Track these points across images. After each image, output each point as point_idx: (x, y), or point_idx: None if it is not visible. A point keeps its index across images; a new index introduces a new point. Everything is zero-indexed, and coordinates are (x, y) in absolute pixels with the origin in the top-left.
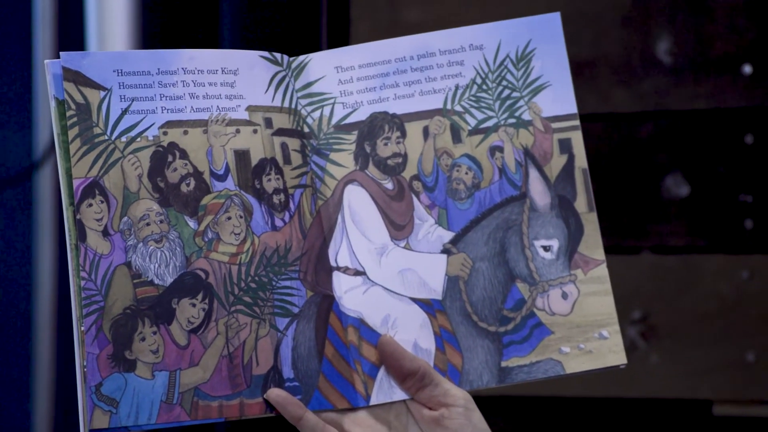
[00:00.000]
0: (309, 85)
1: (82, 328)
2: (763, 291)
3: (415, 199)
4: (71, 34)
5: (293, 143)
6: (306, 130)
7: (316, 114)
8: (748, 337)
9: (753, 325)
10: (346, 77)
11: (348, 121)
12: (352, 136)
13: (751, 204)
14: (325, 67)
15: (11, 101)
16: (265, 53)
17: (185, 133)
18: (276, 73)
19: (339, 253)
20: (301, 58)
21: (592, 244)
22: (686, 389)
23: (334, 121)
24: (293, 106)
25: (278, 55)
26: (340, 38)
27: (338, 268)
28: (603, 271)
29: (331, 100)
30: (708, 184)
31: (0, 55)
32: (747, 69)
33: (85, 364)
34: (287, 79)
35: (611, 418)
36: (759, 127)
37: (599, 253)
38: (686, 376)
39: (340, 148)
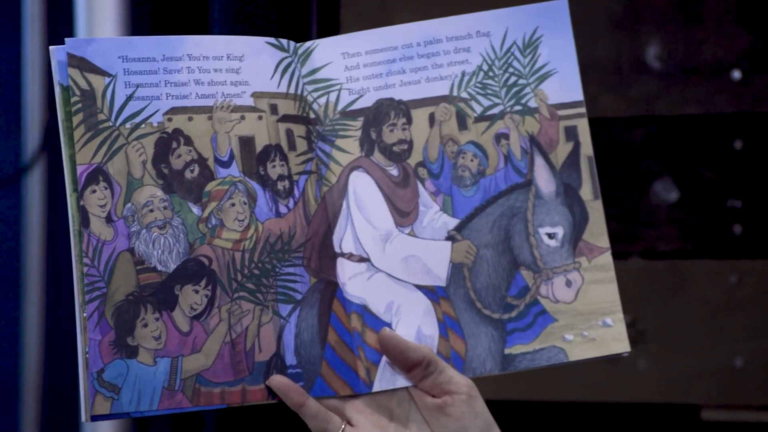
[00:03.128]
0: (315, 71)
1: (84, 315)
2: (752, 296)
3: (420, 185)
4: (60, 34)
5: (299, 129)
6: (312, 116)
7: (322, 100)
8: (737, 342)
9: (741, 330)
10: (352, 63)
11: (354, 107)
12: (358, 123)
13: (740, 209)
14: (331, 53)
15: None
16: (272, 39)
17: (190, 119)
18: (282, 59)
19: (343, 240)
20: (308, 44)
21: (597, 231)
22: (675, 394)
23: (340, 107)
24: (299, 92)
25: (284, 41)
26: None
27: (342, 255)
28: (607, 258)
29: (338, 86)
30: (697, 189)
31: None
32: (736, 74)
33: (87, 350)
34: (293, 65)
35: (600, 423)
36: (748, 133)
37: (604, 241)
38: (675, 381)
39: (345, 134)
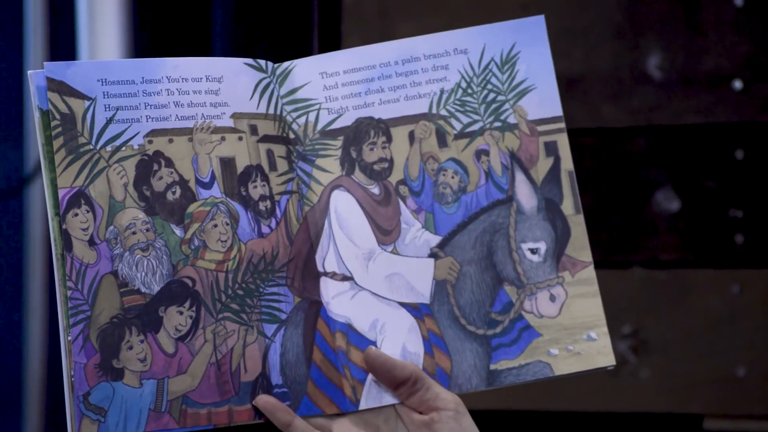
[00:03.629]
0: (294, 91)
1: (69, 338)
2: (754, 305)
3: (401, 203)
4: (62, 46)
5: (279, 150)
6: (291, 136)
7: (302, 120)
8: (739, 352)
9: (743, 339)
10: (331, 83)
11: (333, 126)
12: (338, 142)
13: (742, 219)
14: (309, 73)
15: (2, 115)
16: (250, 60)
17: (170, 141)
18: (260, 80)
19: (326, 259)
20: (286, 64)
21: (579, 246)
22: (677, 403)
23: (319, 126)
24: (278, 112)
25: (262, 62)
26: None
27: (326, 274)
28: (590, 273)
29: (317, 106)
30: (698, 198)
31: None
32: (737, 84)
33: (72, 373)
34: (272, 86)
35: None
36: (749, 142)
37: (586, 255)
38: (677, 391)
39: (326, 153)
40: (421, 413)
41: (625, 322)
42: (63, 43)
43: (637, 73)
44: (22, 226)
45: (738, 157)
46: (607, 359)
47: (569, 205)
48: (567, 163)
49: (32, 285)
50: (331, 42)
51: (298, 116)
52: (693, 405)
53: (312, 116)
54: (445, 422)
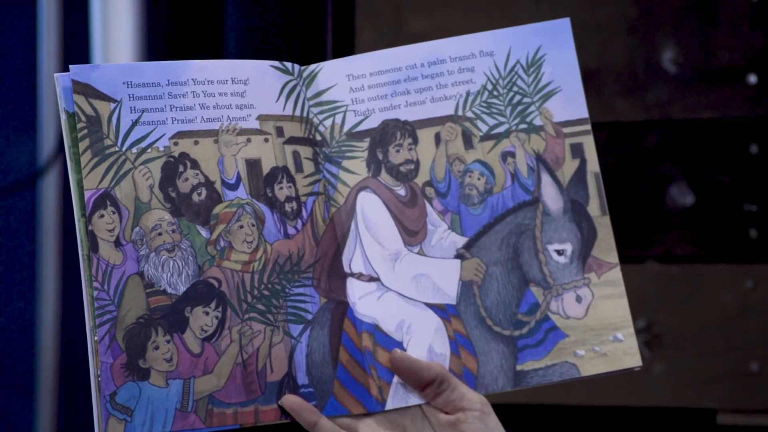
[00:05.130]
0: (320, 93)
1: (96, 338)
2: (767, 300)
3: (428, 205)
4: (76, 40)
5: (305, 151)
6: (318, 138)
7: (328, 122)
8: (752, 347)
9: (757, 334)
10: (357, 85)
11: (360, 128)
12: (364, 144)
13: (756, 213)
14: (336, 75)
15: (16, 109)
16: (276, 63)
17: (196, 143)
18: (287, 83)
19: (353, 260)
20: (312, 67)
21: (606, 247)
22: (690, 398)
23: (346, 128)
24: (304, 114)
25: (289, 65)
26: (345, 48)
27: (352, 275)
28: (617, 274)
29: (343, 108)
30: (712, 193)
31: (5, 63)
32: (752, 79)
33: (99, 373)
34: (298, 88)
35: (615, 427)
36: (764, 137)
37: (613, 257)
38: (690, 386)
39: (352, 155)
40: (447, 413)
41: (639, 316)
42: (77, 40)
43: (651, 68)
44: (35, 218)
45: (752, 152)
46: (634, 360)
47: (595, 207)
48: (593, 164)
49: (46, 278)
50: (345, 37)
51: (325, 118)
52: (706, 400)
53: (338, 118)
54: (470, 422)
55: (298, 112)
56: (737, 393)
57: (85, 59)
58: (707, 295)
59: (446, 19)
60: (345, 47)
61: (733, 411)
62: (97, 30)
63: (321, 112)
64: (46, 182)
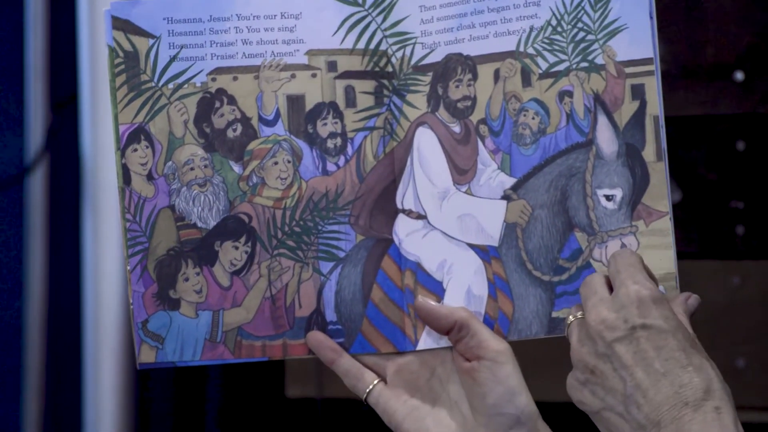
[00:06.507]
0: (397, 23)
1: (128, 267)
2: (754, 297)
3: (480, 143)
4: (63, 31)
5: (363, 85)
6: (389, 69)
7: (399, 53)
8: (739, 344)
9: (743, 331)
10: (427, 17)
11: (425, 62)
12: (427, 78)
13: (743, 210)
14: (410, 5)
15: (3, 105)
16: None
17: (235, 79)
18: (352, 14)
19: (405, 196)
20: None
21: (657, 195)
22: None
23: (413, 61)
24: (371, 46)
25: None
26: None
27: (403, 211)
28: (666, 223)
29: (413, 40)
30: (699, 190)
31: None
32: (739, 76)
33: (131, 301)
34: (368, 19)
35: None
36: (751, 134)
37: (664, 205)
38: None
39: (416, 89)
40: (468, 360)
41: None
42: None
43: None
44: (23, 215)
45: (739, 149)
46: None
47: (651, 152)
48: (653, 107)
49: (33, 275)
50: None
51: (398, 49)
52: None
53: (408, 50)
54: (481, 371)
55: (362, 45)
56: None
57: (73, 39)
58: (694, 291)
59: None
60: None
61: None
62: (83, 20)
63: (395, 43)
64: (33, 180)
